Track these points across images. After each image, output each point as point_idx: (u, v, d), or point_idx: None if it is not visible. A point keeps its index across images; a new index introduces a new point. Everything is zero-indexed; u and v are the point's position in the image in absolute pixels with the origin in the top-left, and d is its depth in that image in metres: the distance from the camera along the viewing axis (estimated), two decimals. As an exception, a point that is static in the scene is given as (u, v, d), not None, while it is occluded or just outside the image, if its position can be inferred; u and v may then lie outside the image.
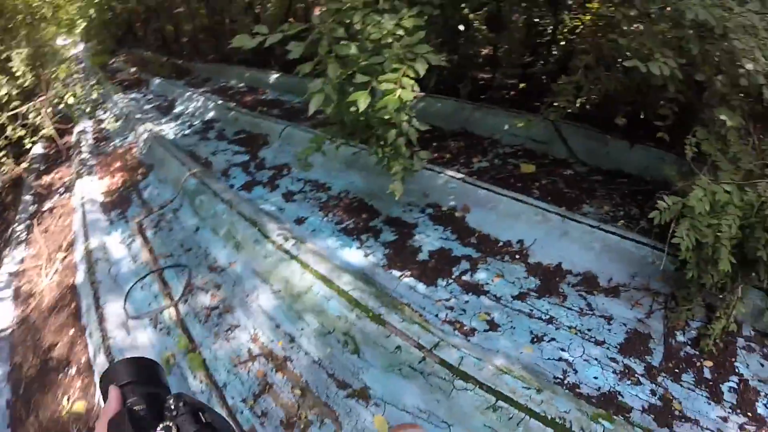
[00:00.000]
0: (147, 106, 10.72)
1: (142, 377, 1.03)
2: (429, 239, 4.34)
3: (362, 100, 3.06)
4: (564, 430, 2.57)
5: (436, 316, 3.61)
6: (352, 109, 3.11)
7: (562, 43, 5.71)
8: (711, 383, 3.11)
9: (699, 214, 2.92)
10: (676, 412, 2.94)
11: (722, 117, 3.02)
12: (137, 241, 5.34)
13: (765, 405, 3.04)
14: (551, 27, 5.79)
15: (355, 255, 4.28)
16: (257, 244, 4.32)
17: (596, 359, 3.22)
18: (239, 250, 4.47)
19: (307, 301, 3.68)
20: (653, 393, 3.04)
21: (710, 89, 3.27)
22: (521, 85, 5.93)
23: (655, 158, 4.44)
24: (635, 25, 3.52)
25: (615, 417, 2.76)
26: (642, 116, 4.09)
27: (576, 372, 3.15)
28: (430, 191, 4.71)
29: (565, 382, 3.09)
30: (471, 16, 5.36)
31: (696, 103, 3.51)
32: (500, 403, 2.71)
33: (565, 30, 5.65)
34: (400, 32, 3.22)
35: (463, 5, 4.96)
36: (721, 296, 3.24)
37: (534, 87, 5.81)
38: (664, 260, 3.33)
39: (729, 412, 2.97)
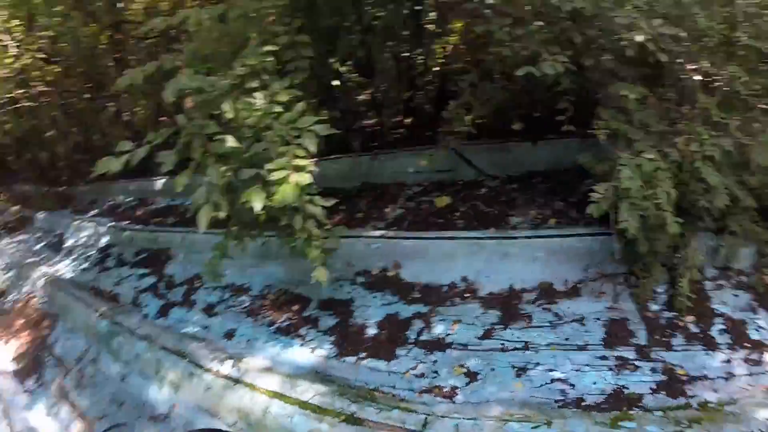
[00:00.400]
0: (37, 247, 9.60)
1: None
2: (371, 310, 3.88)
3: (256, 199, 2.72)
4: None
5: (411, 390, 3.19)
6: (248, 206, 2.74)
7: (436, 68, 5.63)
8: (701, 335, 3.12)
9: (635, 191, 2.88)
10: (684, 378, 2.91)
11: (623, 92, 3.01)
12: (64, 408, 4.52)
13: (756, 329, 3.13)
14: (422, 57, 5.70)
15: (300, 355, 3.74)
16: (193, 378, 3.71)
17: (587, 365, 3.04)
18: (177, 389, 3.82)
19: (269, 424, 3.12)
20: (654, 371, 2.95)
21: (599, 70, 3.28)
22: (407, 121, 5.76)
23: (560, 149, 4.34)
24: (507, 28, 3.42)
25: (631, 412, 2.67)
26: (538, 114, 4.00)
27: (573, 386, 2.94)
28: (354, 259, 4.26)
29: (568, 400, 2.87)
30: (342, 68, 5.15)
31: (588, 86, 3.48)
32: (519, 455, 2.42)
33: (436, 56, 5.57)
34: (278, 109, 2.88)
35: (331, 60, 4.74)
36: (677, 254, 3.24)
37: (421, 119, 5.68)
38: (616, 245, 3.32)
39: (729, 353, 2.99)
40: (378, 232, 4.36)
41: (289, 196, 2.72)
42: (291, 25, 3.40)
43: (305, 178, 2.76)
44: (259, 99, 2.93)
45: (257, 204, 2.72)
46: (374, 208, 4.88)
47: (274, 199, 2.75)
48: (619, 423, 2.50)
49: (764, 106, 3.01)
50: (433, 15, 5.45)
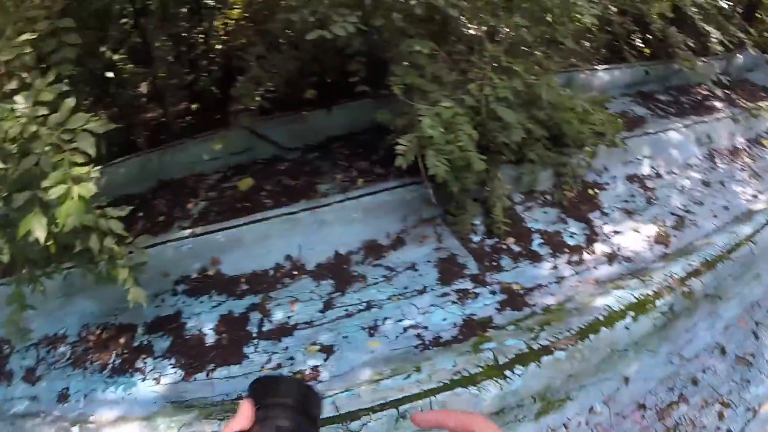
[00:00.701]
0: None
1: (294, 402, 0.68)
2: (203, 317, 3.40)
3: (37, 227, 2.16)
4: (470, 380, 2.42)
5: (274, 383, 2.88)
6: (31, 239, 2.17)
7: (219, 47, 5.11)
8: (524, 252, 3.39)
9: (438, 137, 2.94)
10: (521, 292, 3.12)
11: (417, 48, 3.05)
12: None
13: (570, 236, 3.52)
14: (203, 36, 5.10)
15: (147, 390, 3.10)
16: (43, 463, 2.85)
17: (432, 305, 3.10)
18: (30, 484, 2.91)
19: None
20: (493, 293, 3.14)
21: (389, 29, 3.25)
22: (194, 107, 5.14)
23: (356, 112, 4.30)
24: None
25: (487, 334, 2.79)
26: (330, 80, 3.86)
27: (426, 328, 2.97)
28: (168, 267, 3.65)
29: (427, 342, 2.90)
30: (115, 57, 4.31)
31: (378, 47, 3.47)
32: (404, 407, 2.37)
33: (218, 34, 5.08)
34: (43, 111, 2.27)
35: (102, 48, 3.94)
36: (486, 188, 3.46)
37: (208, 102, 5.11)
38: (428, 190, 3.35)
39: (552, 260, 3.31)
40: (186, 232, 3.79)
41: (76, 213, 2.20)
42: (52, 8, 2.68)
43: (89, 189, 2.23)
44: (20, 103, 2.28)
45: (40, 233, 2.15)
46: (175, 206, 4.24)
47: (58, 222, 2.18)
48: (481, 347, 2.58)
49: (544, 51, 3.37)
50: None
